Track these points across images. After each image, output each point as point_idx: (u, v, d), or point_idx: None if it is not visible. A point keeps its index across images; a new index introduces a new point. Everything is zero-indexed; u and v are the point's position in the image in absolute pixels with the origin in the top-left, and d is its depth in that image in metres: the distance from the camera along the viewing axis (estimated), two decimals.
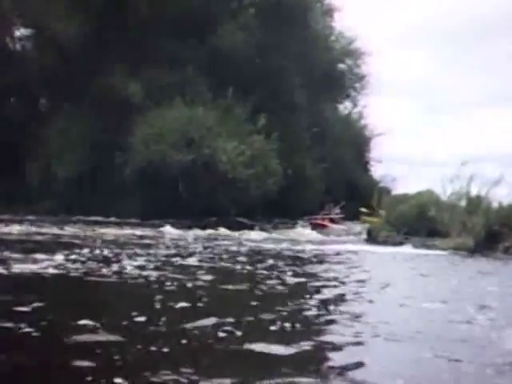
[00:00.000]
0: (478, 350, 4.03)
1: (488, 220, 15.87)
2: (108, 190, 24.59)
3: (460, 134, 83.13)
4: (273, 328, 4.30)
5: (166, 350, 3.56)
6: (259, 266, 8.89)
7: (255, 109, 26.13)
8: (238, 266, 8.62)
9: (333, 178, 35.47)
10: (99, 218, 22.53)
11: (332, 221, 24.83)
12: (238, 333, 4.06)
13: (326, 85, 38.14)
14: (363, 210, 29.63)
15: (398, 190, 32.58)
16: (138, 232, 16.91)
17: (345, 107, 48.97)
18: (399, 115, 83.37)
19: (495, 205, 16.83)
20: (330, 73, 38.59)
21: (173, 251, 10.67)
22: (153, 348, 3.56)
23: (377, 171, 50.35)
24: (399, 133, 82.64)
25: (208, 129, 24.34)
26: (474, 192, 17.36)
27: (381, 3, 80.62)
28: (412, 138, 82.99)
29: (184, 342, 3.77)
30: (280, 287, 6.57)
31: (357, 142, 47.11)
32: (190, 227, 19.25)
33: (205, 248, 12.15)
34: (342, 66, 42.56)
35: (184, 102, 24.86)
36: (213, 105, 25.70)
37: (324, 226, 23.42)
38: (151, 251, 10.31)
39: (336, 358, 3.66)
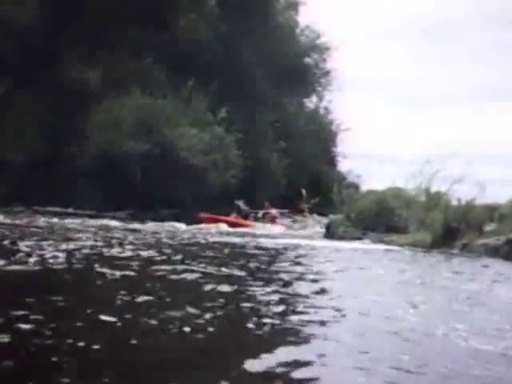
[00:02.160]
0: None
1: (446, 217, 15.77)
2: (66, 179, 23.98)
3: (433, 130, 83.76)
4: None
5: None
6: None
7: (217, 100, 25.80)
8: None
9: (296, 173, 35.32)
10: (56, 209, 21.93)
11: (246, 217, 22.04)
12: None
13: (291, 78, 37.99)
14: (303, 191, 30.35)
15: (366, 186, 32.44)
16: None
17: (311, 101, 49.04)
18: (371, 110, 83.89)
19: (455, 202, 16.73)
20: (296, 67, 38.42)
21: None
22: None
23: (344, 167, 50.53)
24: (372, 128, 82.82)
25: (167, 118, 23.93)
26: (435, 189, 17.30)
27: None
28: (384, 134, 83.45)
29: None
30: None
31: (322, 137, 47.06)
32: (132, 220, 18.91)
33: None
34: (307, 60, 42.47)
35: (143, 91, 24.41)
36: (173, 94, 25.27)
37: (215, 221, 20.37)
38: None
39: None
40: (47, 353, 3.18)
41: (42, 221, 15.67)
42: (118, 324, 3.90)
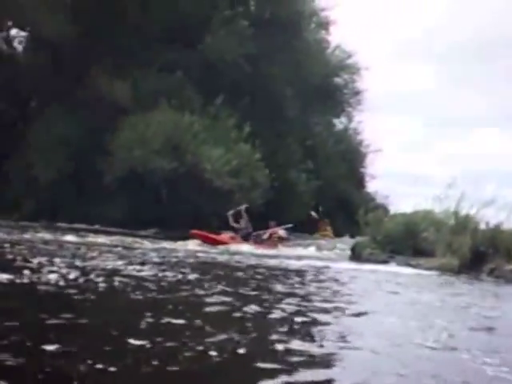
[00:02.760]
0: None
1: (474, 241, 15.55)
2: (92, 196, 24.16)
3: (461, 152, 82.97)
4: None
5: None
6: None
7: (244, 118, 25.83)
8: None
9: (324, 193, 35.12)
10: (82, 226, 22.05)
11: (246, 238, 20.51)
12: None
13: (321, 98, 37.80)
14: (313, 214, 30.21)
15: (395, 207, 31.97)
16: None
17: (340, 122, 48.80)
18: (400, 131, 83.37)
19: (483, 226, 16.48)
20: (325, 86, 38.17)
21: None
22: None
23: (372, 188, 50.07)
24: (399, 149, 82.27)
25: (194, 135, 23.99)
26: (463, 212, 17.06)
27: (380, 17, 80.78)
28: (412, 155, 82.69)
29: None
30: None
31: (351, 158, 46.73)
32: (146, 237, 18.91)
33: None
34: (337, 79, 42.26)
35: (171, 108, 24.54)
36: (200, 111, 25.37)
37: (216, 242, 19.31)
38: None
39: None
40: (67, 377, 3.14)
41: (67, 238, 15.68)
42: (141, 347, 3.85)
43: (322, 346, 4.27)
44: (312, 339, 4.55)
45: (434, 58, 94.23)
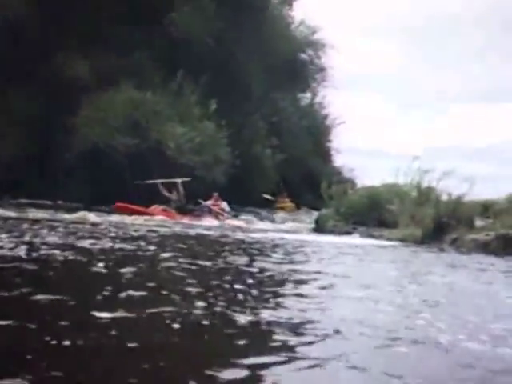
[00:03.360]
0: None
1: (437, 212, 15.66)
2: (56, 173, 23.76)
3: (427, 127, 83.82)
4: None
5: None
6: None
7: (208, 95, 25.58)
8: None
9: (290, 168, 35.15)
10: (47, 202, 21.65)
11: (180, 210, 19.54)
12: None
13: (286, 74, 37.72)
14: (267, 196, 30.17)
15: (361, 181, 32.11)
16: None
17: (306, 98, 48.85)
18: (365, 107, 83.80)
19: (445, 197, 16.61)
20: (290, 62, 38.09)
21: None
22: None
23: (338, 162, 50.42)
24: (366, 124, 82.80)
25: (156, 113, 23.70)
26: (425, 184, 17.19)
27: None
28: (378, 130, 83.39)
29: None
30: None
31: (316, 132, 46.88)
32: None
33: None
34: (303, 55, 42.16)
35: (132, 86, 24.17)
36: (163, 89, 25.03)
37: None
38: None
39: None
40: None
41: (29, 214, 15.33)
42: (101, 320, 3.74)
43: (280, 318, 4.18)
44: (275, 310, 4.49)
45: (404, 35, 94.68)
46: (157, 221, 16.85)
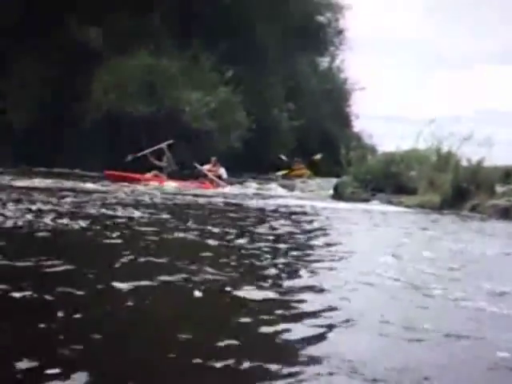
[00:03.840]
0: None
1: (456, 177, 15.46)
2: (71, 141, 23.74)
3: (449, 92, 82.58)
4: None
5: None
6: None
7: (224, 60, 25.32)
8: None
9: (308, 133, 34.89)
10: (62, 170, 21.70)
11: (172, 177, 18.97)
12: None
13: (303, 37, 37.16)
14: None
15: (382, 147, 31.67)
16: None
17: (324, 61, 48.25)
18: (385, 72, 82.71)
19: (464, 162, 16.39)
20: (308, 25, 37.56)
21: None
22: None
23: (358, 128, 49.93)
24: (384, 90, 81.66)
25: (171, 79, 23.50)
26: (445, 149, 16.97)
27: None
28: (397, 95, 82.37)
29: None
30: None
31: (335, 97, 46.38)
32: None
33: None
34: (320, 18, 41.55)
35: (147, 51, 23.95)
36: (178, 54, 24.80)
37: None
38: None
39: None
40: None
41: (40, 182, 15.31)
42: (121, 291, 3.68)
43: (295, 287, 4.12)
44: (291, 278, 4.43)
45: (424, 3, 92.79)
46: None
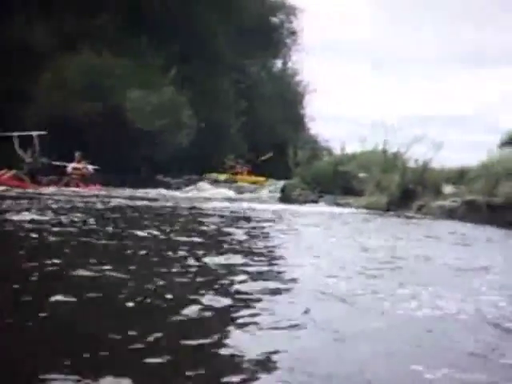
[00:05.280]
0: None
1: (403, 178, 15.39)
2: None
3: (405, 94, 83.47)
4: None
5: None
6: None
7: (173, 59, 24.83)
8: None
9: (260, 135, 34.59)
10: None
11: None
12: None
13: (256, 38, 36.93)
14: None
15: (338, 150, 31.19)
16: None
17: (277, 63, 48.08)
18: (342, 74, 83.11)
19: (412, 163, 16.34)
20: (260, 26, 37.34)
21: None
22: None
23: (316, 131, 49.75)
24: (340, 92, 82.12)
25: (117, 78, 22.92)
26: (392, 150, 16.94)
27: None
28: (352, 97, 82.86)
29: None
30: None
31: (289, 99, 46.18)
32: None
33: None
34: (273, 19, 41.36)
35: (94, 50, 23.31)
36: (125, 53, 24.20)
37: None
38: None
39: None
40: None
41: None
42: None
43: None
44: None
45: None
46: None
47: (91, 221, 7.63)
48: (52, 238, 5.65)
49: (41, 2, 24.12)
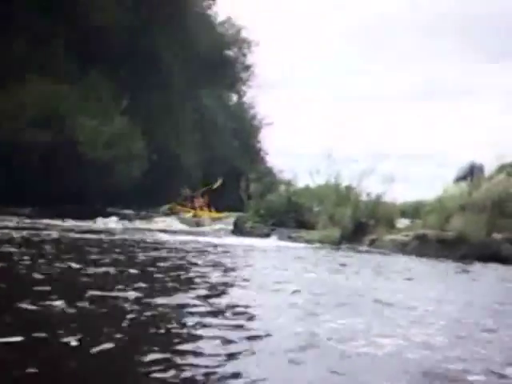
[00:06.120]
0: None
1: (356, 212, 15.32)
2: None
3: (367, 128, 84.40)
4: None
5: None
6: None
7: (125, 89, 24.51)
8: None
9: (214, 166, 34.35)
10: None
11: None
12: None
13: (209, 70, 36.96)
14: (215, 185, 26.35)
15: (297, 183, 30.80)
16: None
17: (231, 96, 48.25)
18: (299, 107, 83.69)
19: (365, 197, 16.30)
20: (215, 58, 37.40)
21: None
22: None
23: (274, 164, 49.65)
24: (304, 126, 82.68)
25: (68, 107, 22.43)
26: (344, 184, 16.88)
27: None
28: (312, 132, 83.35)
29: None
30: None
31: (244, 132, 46.30)
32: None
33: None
34: (227, 52, 41.50)
35: (45, 79, 22.80)
36: (77, 83, 23.76)
37: None
38: None
39: None
40: None
41: None
42: None
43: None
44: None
45: (337, 36, 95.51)
46: None
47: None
48: None
49: None
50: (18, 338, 3.15)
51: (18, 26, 23.97)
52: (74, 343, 3.14)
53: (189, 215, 23.51)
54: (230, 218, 23.63)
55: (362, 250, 13.13)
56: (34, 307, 3.97)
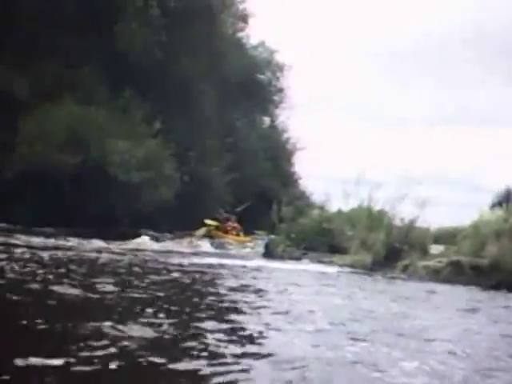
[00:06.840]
0: None
1: (389, 237, 15.17)
2: None
3: (397, 151, 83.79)
4: None
5: None
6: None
7: (157, 111, 24.68)
8: None
9: (245, 190, 34.35)
10: None
11: None
12: None
13: (242, 94, 37.19)
14: (209, 222, 25.77)
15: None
16: None
17: (265, 119, 48.25)
18: (337, 131, 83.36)
19: (398, 222, 16.14)
20: (247, 82, 37.66)
21: None
22: None
23: (306, 188, 49.29)
24: (335, 149, 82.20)
25: (100, 129, 22.65)
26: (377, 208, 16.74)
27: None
28: (344, 155, 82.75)
29: None
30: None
31: (275, 155, 46.23)
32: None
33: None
34: (260, 76, 41.81)
35: (76, 100, 23.09)
36: (108, 104, 24.01)
37: None
38: None
39: None
40: None
41: None
42: None
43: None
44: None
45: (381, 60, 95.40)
46: None
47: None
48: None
49: (17, 52, 23.91)
50: None
51: (55, 46, 24.34)
52: None
53: (219, 238, 23.30)
54: (253, 242, 23.54)
55: (394, 276, 12.97)
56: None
